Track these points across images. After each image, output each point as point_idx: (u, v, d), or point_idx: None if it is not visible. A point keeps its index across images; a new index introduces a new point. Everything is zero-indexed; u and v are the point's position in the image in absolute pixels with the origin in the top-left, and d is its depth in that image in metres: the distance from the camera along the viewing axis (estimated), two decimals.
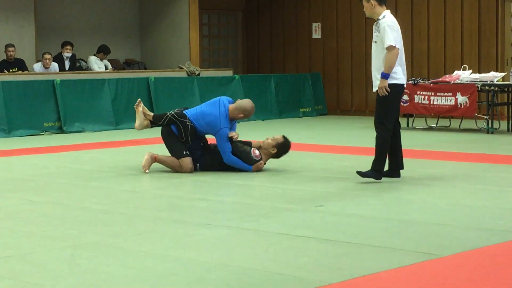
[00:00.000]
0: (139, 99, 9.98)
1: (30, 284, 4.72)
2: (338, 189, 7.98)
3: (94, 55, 17.34)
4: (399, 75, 8.34)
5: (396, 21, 8.40)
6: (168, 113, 9.42)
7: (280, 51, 20.15)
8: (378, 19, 8.39)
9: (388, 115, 8.34)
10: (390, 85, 8.26)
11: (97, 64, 17.15)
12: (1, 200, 7.80)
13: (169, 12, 18.62)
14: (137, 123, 9.69)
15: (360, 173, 8.29)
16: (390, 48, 8.21)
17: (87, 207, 7.29)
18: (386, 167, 8.46)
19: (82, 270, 5.03)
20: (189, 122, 9.25)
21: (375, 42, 8.42)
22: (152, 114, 9.66)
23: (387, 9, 8.50)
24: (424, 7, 17.77)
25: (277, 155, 9.36)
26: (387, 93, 8.23)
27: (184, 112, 9.39)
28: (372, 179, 8.32)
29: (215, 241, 5.87)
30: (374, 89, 8.43)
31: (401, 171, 8.58)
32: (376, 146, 8.37)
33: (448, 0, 17.43)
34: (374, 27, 8.45)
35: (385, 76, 8.25)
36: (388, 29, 8.26)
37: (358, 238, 5.81)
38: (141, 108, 9.64)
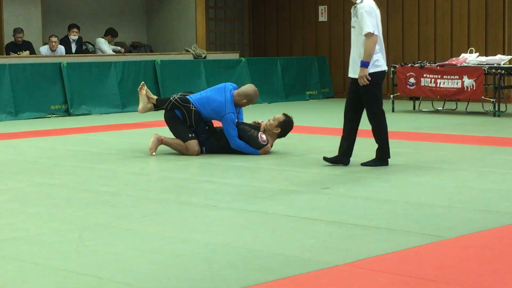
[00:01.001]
0: (143, 82, 9.98)
1: (38, 265, 4.75)
2: (344, 172, 7.98)
3: (102, 37, 17.34)
4: (381, 62, 8.10)
5: (374, 6, 8.12)
6: (171, 98, 9.42)
7: (286, 34, 20.10)
8: (356, 3, 8.10)
9: (375, 102, 8.12)
10: (373, 73, 8.01)
11: (106, 45, 17.16)
12: (9, 182, 7.83)
13: None
14: (140, 106, 9.70)
15: (365, 164, 8.24)
16: (369, 35, 7.93)
17: (94, 189, 7.31)
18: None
19: (89, 251, 5.06)
20: (192, 107, 9.25)
21: (353, 27, 8.15)
22: (155, 97, 9.66)
23: None
24: None
25: (283, 134, 9.36)
26: (368, 82, 7.96)
27: (187, 97, 9.38)
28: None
29: (221, 223, 5.89)
30: (350, 75, 8.14)
31: (408, 154, 8.55)
32: (375, 136, 8.25)
33: None
34: (352, 11, 8.20)
35: (364, 64, 7.96)
36: (366, 15, 7.97)
37: (364, 220, 5.82)
38: (144, 91, 9.64)
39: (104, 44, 17.15)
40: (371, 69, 8.04)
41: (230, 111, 9.20)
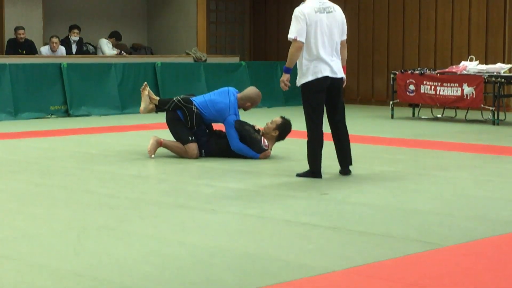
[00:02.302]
0: (145, 82, 9.99)
1: (36, 266, 4.75)
2: (343, 177, 7.98)
3: (106, 38, 17.37)
4: (314, 70, 7.73)
5: (309, 11, 7.70)
6: (174, 98, 9.44)
7: (287, 38, 20.09)
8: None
9: (308, 113, 7.84)
10: (303, 83, 7.81)
11: (108, 47, 17.17)
12: (7, 182, 7.84)
13: None
14: (142, 106, 9.70)
15: (299, 174, 7.99)
16: (292, 41, 7.72)
17: (92, 191, 7.32)
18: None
19: (87, 253, 5.06)
20: (195, 108, 9.27)
21: None
22: (157, 98, 9.67)
23: None
24: None
25: (281, 137, 9.37)
26: (286, 87, 7.82)
27: (190, 98, 9.41)
28: (370, 169, 8.31)
29: (219, 227, 5.89)
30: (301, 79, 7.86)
31: (407, 161, 8.50)
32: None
33: None
34: None
35: (285, 70, 7.79)
36: (293, 20, 7.71)
37: (362, 226, 5.83)
38: (146, 92, 9.66)
39: (106, 46, 17.16)
40: (302, 79, 7.83)
41: (233, 113, 9.22)
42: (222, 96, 9.39)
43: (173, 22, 18.71)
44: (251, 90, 9.57)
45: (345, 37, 8.03)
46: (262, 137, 9.28)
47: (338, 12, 7.96)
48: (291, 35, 7.75)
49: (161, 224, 5.97)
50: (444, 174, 8.29)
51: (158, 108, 9.64)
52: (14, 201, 6.87)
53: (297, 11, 7.78)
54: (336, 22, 7.88)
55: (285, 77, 7.86)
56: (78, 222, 5.96)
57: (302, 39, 7.72)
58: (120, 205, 6.68)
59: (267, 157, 9.24)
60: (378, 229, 5.72)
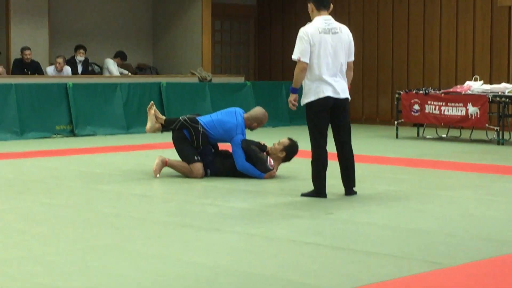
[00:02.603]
0: (152, 101, 10.00)
1: (42, 285, 4.77)
2: (348, 197, 7.99)
3: (111, 58, 17.44)
4: (317, 90, 7.73)
5: (313, 31, 7.72)
6: (180, 118, 9.46)
7: (291, 58, 20.13)
8: None
9: (312, 132, 7.85)
10: (307, 103, 7.83)
11: (115, 67, 17.25)
12: (13, 201, 7.86)
13: (182, 17, 18.68)
14: (148, 125, 9.72)
15: (304, 194, 8.00)
16: (296, 62, 7.75)
17: (98, 210, 7.33)
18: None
19: (93, 272, 5.07)
20: (201, 128, 9.29)
21: None
22: (164, 117, 9.69)
23: (328, 14, 7.89)
24: (436, 18, 17.78)
25: (287, 158, 9.38)
26: (294, 107, 7.86)
27: (197, 118, 9.43)
28: (376, 189, 8.32)
29: (224, 246, 5.90)
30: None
31: (411, 180, 8.46)
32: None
33: (460, 11, 17.44)
34: None
35: (291, 90, 7.81)
36: (297, 40, 7.73)
37: (367, 245, 5.83)
38: (153, 111, 9.69)
39: (112, 65, 17.23)
40: (305, 99, 7.85)
41: (240, 132, 9.25)
42: (229, 116, 9.41)
43: (178, 42, 18.78)
44: (258, 111, 9.60)
45: (352, 59, 8.02)
46: (268, 157, 9.29)
47: (344, 33, 7.93)
48: (294, 56, 7.79)
49: (166, 243, 5.98)
50: (449, 193, 8.29)
51: (164, 127, 9.66)
52: (20, 220, 6.89)
53: (302, 31, 7.80)
54: (341, 43, 7.87)
55: (292, 97, 7.90)
56: (83, 242, 5.97)
57: (305, 59, 7.73)
58: (125, 224, 6.69)
59: (272, 177, 9.25)
60: (383, 249, 5.73)
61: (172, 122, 9.50)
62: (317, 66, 7.76)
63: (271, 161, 9.28)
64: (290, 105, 7.96)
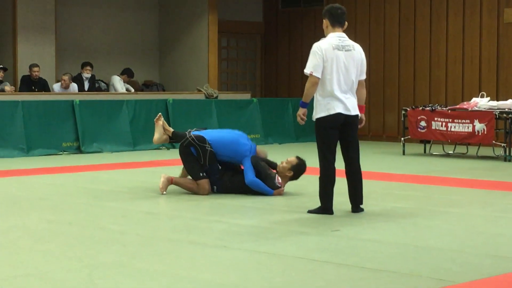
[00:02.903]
0: (160, 113, 10.01)
1: None
2: (355, 214, 7.97)
3: (118, 75, 17.48)
4: (327, 106, 7.75)
5: (326, 47, 7.73)
6: (187, 134, 9.42)
7: (298, 75, 20.17)
8: None
9: (321, 148, 7.85)
10: (318, 118, 7.82)
11: (120, 84, 17.29)
12: (19, 219, 7.85)
13: (188, 34, 18.74)
14: (156, 136, 9.72)
15: (311, 211, 8.02)
16: (308, 76, 7.79)
17: (104, 227, 7.33)
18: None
19: None
20: (208, 147, 9.27)
21: None
22: (171, 130, 9.69)
23: (343, 31, 7.89)
24: (443, 34, 17.79)
25: (295, 177, 9.36)
26: (302, 121, 7.91)
27: (204, 135, 9.39)
28: (379, 205, 8.30)
29: (231, 263, 5.89)
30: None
31: (418, 197, 8.45)
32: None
33: (467, 27, 17.45)
34: None
35: (301, 104, 7.88)
36: (311, 55, 7.77)
37: (374, 263, 5.81)
38: (161, 122, 9.69)
39: (118, 83, 17.27)
40: (316, 114, 7.87)
41: (251, 153, 9.27)
42: (243, 139, 9.45)
43: (185, 59, 18.82)
44: (259, 149, 9.67)
45: (364, 77, 8.02)
46: (276, 175, 9.28)
47: (357, 51, 7.93)
48: (307, 70, 7.81)
49: (173, 260, 5.97)
50: (456, 210, 8.27)
51: (172, 139, 9.68)
52: (26, 237, 6.89)
53: (315, 46, 7.82)
54: (353, 61, 7.87)
55: (301, 111, 7.94)
56: (90, 259, 5.97)
57: (317, 74, 7.75)
58: (132, 242, 6.68)
59: (280, 194, 9.24)
60: (390, 266, 5.71)
61: (180, 137, 9.49)
62: (329, 82, 7.77)
63: (279, 178, 9.27)
64: (298, 119, 7.99)
